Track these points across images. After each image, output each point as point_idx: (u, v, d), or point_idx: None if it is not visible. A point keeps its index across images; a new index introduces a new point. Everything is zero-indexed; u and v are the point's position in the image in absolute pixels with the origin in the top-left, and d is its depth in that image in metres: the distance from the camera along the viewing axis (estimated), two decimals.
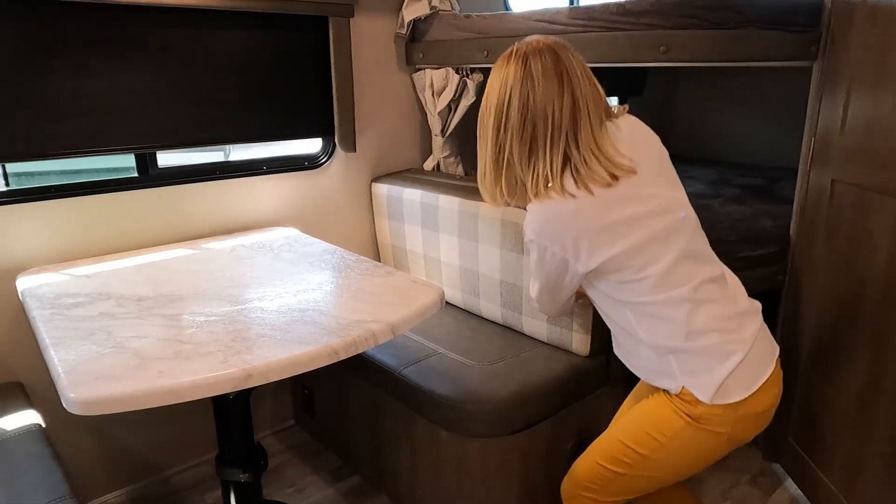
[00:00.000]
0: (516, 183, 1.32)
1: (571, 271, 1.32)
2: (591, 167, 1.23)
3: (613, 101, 3.85)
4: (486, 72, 2.37)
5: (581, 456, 1.50)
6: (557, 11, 1.97)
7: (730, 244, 2.14)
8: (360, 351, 1.30)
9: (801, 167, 1.95)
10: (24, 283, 1.67)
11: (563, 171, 1.25)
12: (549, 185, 1.26)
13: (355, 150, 2.38)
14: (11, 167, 2.12)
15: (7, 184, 2.12)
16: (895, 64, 1.56)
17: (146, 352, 1.24)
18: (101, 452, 2.04)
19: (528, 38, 1.30)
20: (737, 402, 1.25)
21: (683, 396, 1.29)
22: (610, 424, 1.56)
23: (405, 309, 1.46)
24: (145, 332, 1.33)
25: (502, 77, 1.26)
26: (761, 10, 1.76)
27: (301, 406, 2.46)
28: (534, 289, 1.47)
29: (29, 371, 1.84)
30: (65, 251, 1.86)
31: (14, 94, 1.70)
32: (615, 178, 1.24)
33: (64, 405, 1.10)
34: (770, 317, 1.95)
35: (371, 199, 2.54)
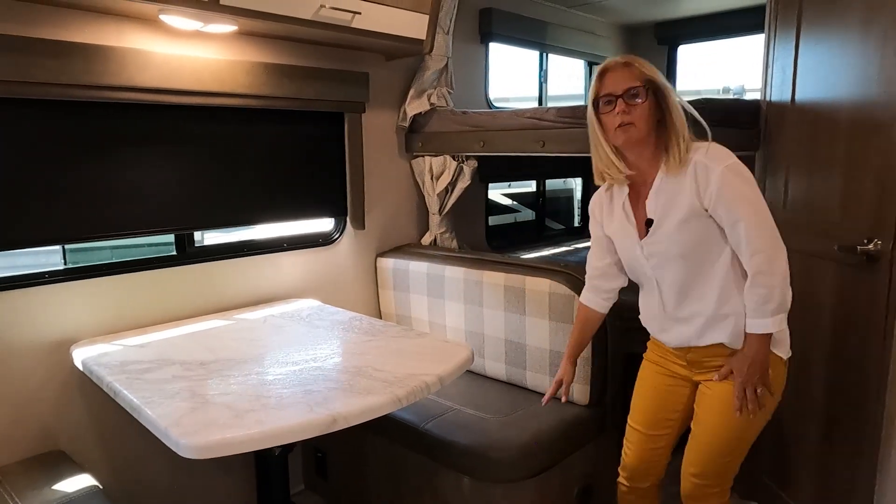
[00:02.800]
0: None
1: None
2: None
3: (578, 182, 4.28)
4: (480, 159, 2.71)
5: (711, 459, 1.63)
6: (547, 111, 2.34)
7: None
8: (418, 399, 1.51)
9: None
10: (81, 354, 1.81)
11: None
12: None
13: (364, 228, 2.64)
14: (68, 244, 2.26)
15: (65, 262, 2.25)
16: (822, 153, 1.98)
17: (235, 405, 1.41)
18: None
19: None
20: None
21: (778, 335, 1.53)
22: (691, 420, 1.69)
23: (446, 364, 1.68)
24: (226, 390, 1.50)
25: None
26: (713, 112, 2.16)
27: (313, 470, 2.57)
28: (765, 233, 1.48)
29: (72, 439, 1.93)
30: (112, 324, 2.00)
31: (72, 184, 1.89)
32: None
33: (177, 451, 1.26)
34: None
35: (376, 272, 2.78)
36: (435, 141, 2.72)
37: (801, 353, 2.12)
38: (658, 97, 1.52)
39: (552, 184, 4.15)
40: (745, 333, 1.52)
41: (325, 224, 2.68)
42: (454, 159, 2.70)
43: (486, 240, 3.37)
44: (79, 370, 1.83)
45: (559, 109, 2.32)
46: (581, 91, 4.29)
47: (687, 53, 4.34)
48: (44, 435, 1.89)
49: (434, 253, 2.66)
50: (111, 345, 1.88)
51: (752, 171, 2.28)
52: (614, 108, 1.51)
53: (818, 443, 2.04)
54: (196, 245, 2.23)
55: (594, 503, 2.20)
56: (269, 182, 2.37)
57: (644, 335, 1.84)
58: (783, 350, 1.58)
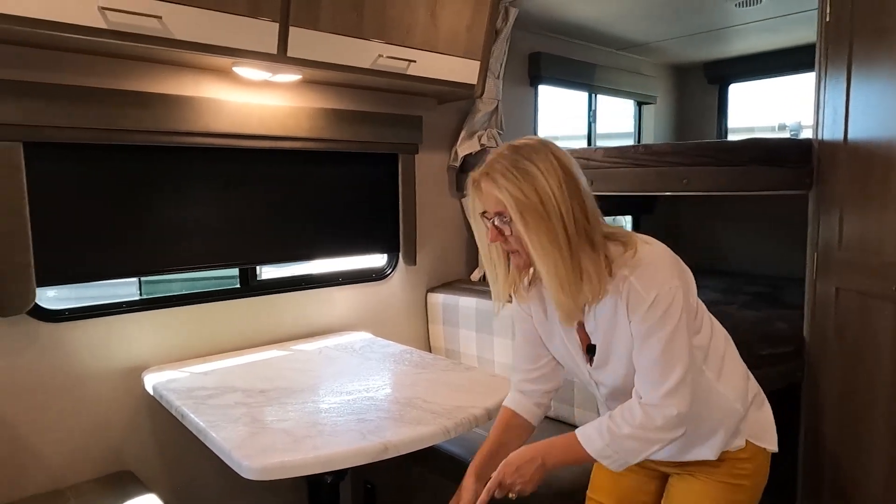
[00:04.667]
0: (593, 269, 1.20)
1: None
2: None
3: (628, 220, 4.28)
4: None
5: None
6: (595, 150, 2.40)
7: (752, 344, 2.43)
8: (466, 431, 1.56)
9: (808, 277, 2.30)
10: (152, 380, 1.93)
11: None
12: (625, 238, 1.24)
13: (415, 264, 2.73)
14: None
15: (140, 293, 2.43)
16: (876, 191, 1.96)
17: (293, 431, 1.49)
18: None
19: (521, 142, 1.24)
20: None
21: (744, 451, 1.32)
22: None
23: (494, 398, 1.72)
24: (284, 417, 1.59)
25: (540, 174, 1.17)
26: (759, 151, 2.18)
27: (362, 500, 2.61)
28: (673, 377, 1.18)
29: (141, 460, 2.05)
30: (179, 352, 2.13)
31: (149, 222, 2.05)
32: None
33: (239, 472, 1.35)
34: (793, 409, 2.22)
35: (426, 307, 2.85)
36: None
37: (860, 396, 2.06)
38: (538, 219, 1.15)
39: None
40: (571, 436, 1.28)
41: (378, 260, 2.78)
42: None
43: None
44: (148, 395, 1.95)
45: (606, 150, 2.37)
46: (631, 129, 4.33)
47: (739, 91, 4.34)
48: (114, 455, 2.01)
49: (483, 288, 2.72)
50: (179, 371, 2.00)
51: (805, 210, 2.28)
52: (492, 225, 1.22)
53: (883, 487, 1.96)
54: (258, 279, 2.36)
55: None
56: (327, 219, 2.49)
57: None
58: (769, 441, 1.36)
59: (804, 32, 3.51)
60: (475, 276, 2.94)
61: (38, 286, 1.78)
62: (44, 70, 1.79)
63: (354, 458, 1.37)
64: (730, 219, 4.22)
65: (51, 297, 2.03)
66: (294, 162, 2.38)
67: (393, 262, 2.75)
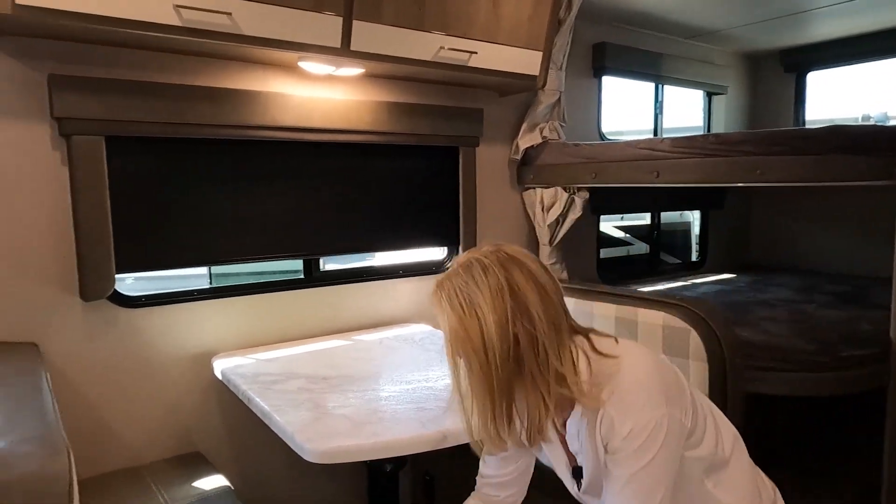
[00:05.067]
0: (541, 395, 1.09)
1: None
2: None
3: (696, 215, 4.13)
4: (592, 191, 2.72)
5: None
6: (661, 141, 2.32)
7: (832, 344, 2.30)
8: None
9: (895, 276, 2.14)
10: (220, 365, 2.00)
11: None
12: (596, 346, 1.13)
13: None
14: (213, 268, 2.55)
15: (210, 282, 2.53)
16: None
17: (354, 417, 1.51)
18: None
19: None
20: None
21: None
22: None
23: None
24: (345, 403, 1.61)
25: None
26: (841, 139, 2.04)
27: (421, 491, 2.62)
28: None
29: (210, 442, 2.13)
30: (246, 339, 2.20)
31: (218, 213, 2.12)
32: None
33: (301, 455, 1.37)
34: (878, 413, 2.08)
35: None
36: (546, 173, 2.77)
37: None
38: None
39: (668, 216, 4.03)
40: None
41: (438, 252, 2.79)
42: (565, 191, 2.73)
43: (597, 272, 3.33)
44: (217, 380, 2.03)
45: (674, 139, 2.29)
46: (700, 122, 4.17)
47: (819, 79, 4.10)
48: (185, 437, 2.10)
49: None
50: (245, 358, 2.07)
51: (892, 203, 2.13)
52: None
53: None
54: (320, 270, 2.41)
55: None
56: (388, 212, 2.52)
57: (768, 374, 1.75)
58: None
59: (891, 14, 3.28)
60: None
61: (116, 273, 1.88)
62: (123, 68, 1.88)
63: (413, 446, 1.38)
64: (806, 213, 4.00)
65: (128, 284, 2.13)
66: (356, 155, 2.41)
67: (452, 256, 2.75)
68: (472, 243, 2.68)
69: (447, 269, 1.17)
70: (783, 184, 2.11)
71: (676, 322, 2.09)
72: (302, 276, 2.38)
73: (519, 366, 1.07)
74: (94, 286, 1.83)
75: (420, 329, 2.46)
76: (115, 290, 1.92)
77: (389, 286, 2.56)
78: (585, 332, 1.18)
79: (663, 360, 1.15)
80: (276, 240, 2.25)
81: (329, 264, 2.50)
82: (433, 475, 2.55)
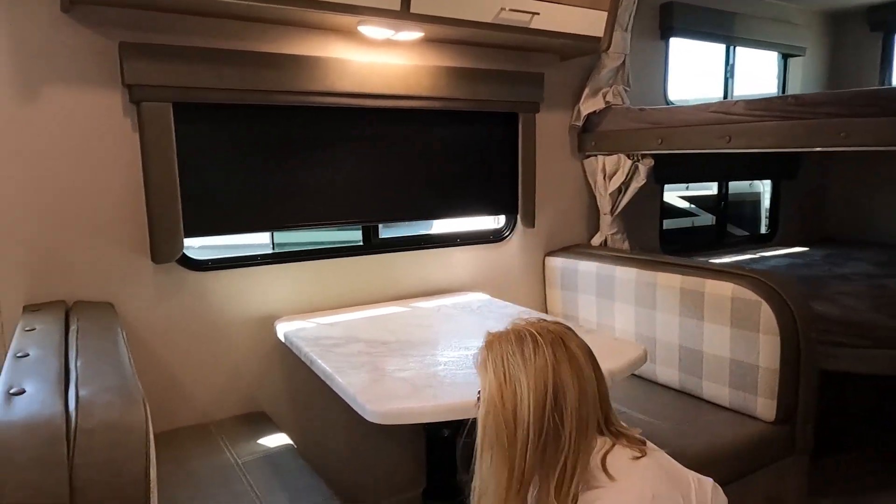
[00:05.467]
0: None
1: None
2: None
3: (767, 185, 3.94)
4: (656, 158, 2.61)
5: None
6: (735, 103, 2.19)
7: None
8: None
9: None
10: (283, 329, 2.05)
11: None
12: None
13: (534, 226, 2.67)
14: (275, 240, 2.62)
15: (273, 248, 2.59)
16: None
17: (413, 380, 1.52)
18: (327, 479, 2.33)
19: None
20: None
21: None
22: None
23: (618, 361, 1.65)
24: (405, 367, 1.62)
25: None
26: None
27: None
28: None
29: (272, 402, 2.19)
30: (307, 304, 2.24)
31: (279, 179, 2.15)
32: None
33: (363, 415, 1.39)
34: None
35: (543, 271, 2.80)
36: (609, 139, 2.68)
37: None
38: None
39: (736, 186, 3.85)
40: None
41: (496, 221, 2.76)
42: (629, 158, 2.63)
43: (659, 243, 3.23)
44: (280, 342, 2.08)
45: (749, 102, 2.17)
46: (774, 90, 3.93)
47: None
48: (250, 397, 2.17)
49: (604, 253, 2.61)
50: (307, 322, 2.11)
51: None
52: None
53: None
54: (379, 237, 2.42)
55: None
56: (446, 180, 2.50)
57: (844, 350, 1.65)
58: None
59: None
60: (596, 240, 2.83)
61: (184, 237, 1.93)
62: (190, 35, 1.91)
63: (473, 410, 1.37)
64: (889, 183, 3.75)
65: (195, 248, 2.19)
66: (415, 122, 2.39)
67: (511, 225, 2.71)
68: (530, 212, 2.63)
69: (499, 332, 1.16)
70: (868, 148, 1.96)
71: (747, 294, 2.00)
72: (361, 244, 2.40)
73: (543, 456, 1.05)
74: (163, 249, 1.90)
75: (477, 298, 2.45)
76: (184, 254, 1.98)
77: (447, 255, 2.55)
78: (615, 436, 1.12)
79: None
80: (336, 207, 2.27)
81: (387, 233, 2.51)
82: None
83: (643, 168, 2.62)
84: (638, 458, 1.10)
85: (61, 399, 1.05)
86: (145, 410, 1.05)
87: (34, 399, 1.05)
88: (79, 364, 1.23)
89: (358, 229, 2.41)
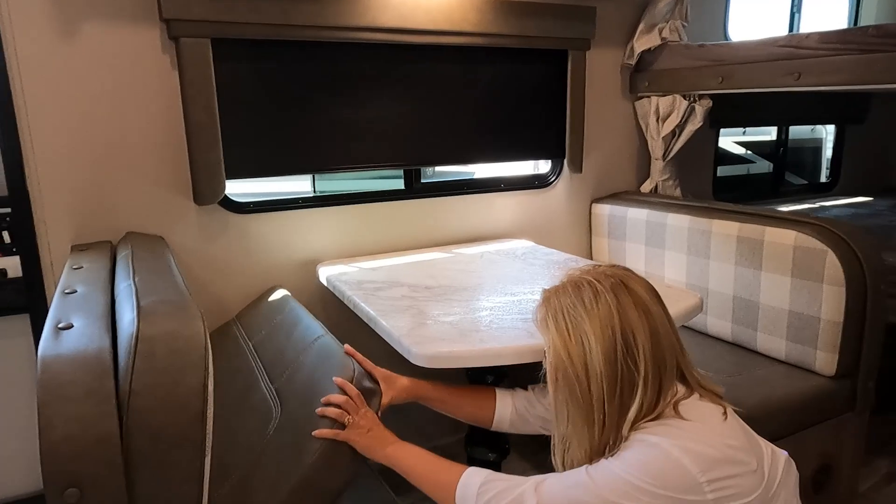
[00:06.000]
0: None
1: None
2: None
3: (830, 130, 3.70)
4: (715, 98, 2.45)
5: None
6: (806, 36, 2.02)
7: None
8: None
9: None
10: (325, 272, 2.03)
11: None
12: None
13: (581, 171, 2.56)
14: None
15: (314, 191, 2.57)
16: None
17: (459, 325, 1.48)
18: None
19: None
20: None
21: None
22: None
23: (672, 309, 1.56)
24: (449, 312, 1.58)
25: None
26: None
27: None
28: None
29: None
30: (349, 248, 2.22)
31: (319, 120, 2.09)
32: None
33: (408, 358, 1.36)
34: None
35: (590, 218, 2.70)
36: (664, 79, 2.52)
37: None
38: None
39: (796, 132, 3.63)
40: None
41: (541, 166, 2.66)
42: (685, 98, 2.48)
43: (712, 191, 3.08)
44: (322, 286, 2.06)
45: (823, 34, 1.99)
46: (845, 25, 3.64)
47: None
48: None
49: (655, 200, 2.50)
50: (349, 266, 2.09)
51: None
52: None
53: None
54: (421, 182, 2.36)
55: (832, 485, 1.94)
56: (490, 122, 2.40)
57: None
58: None
59: None
60: (646, 187, 2.71)
61: (226, 178, 1.91)
62: None
63: (519, 356, 1.33)
64: None
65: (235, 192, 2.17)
66: (459, 61, 2.28)
67: (557, 170, 2.61)
68: (578, 157, 2.52)
69: (557, 284, 1.12)
70: None
71: (811, 242, 1.88)
72: (402, 189, 2.34)
73: (620, 401, 1.02)
74: (205, 191, 1.88)
75: (522, 244, 2.38)
76: (226, 196, 1.96)
77: (490, 200, 2.48)
78: (692, 387, 1.08)
79: (717, 455, 0.97)
80: (377, 149, 2.21)
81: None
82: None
83: (700, 110, 2.47)
84: (718, 399, 1.06)
85: (108, 333, 1.05)
86: (204, 325, 1.04)
87: (82, 333, 1.04)
88: (137, 280, 1.23)
89: (399, 177, 2.35)
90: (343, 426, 1.14)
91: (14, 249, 1.77)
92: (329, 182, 2.80)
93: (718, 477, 0.95)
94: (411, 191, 2.34)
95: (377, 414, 1.24)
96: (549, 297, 1.10)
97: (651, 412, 1.02)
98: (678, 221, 2.28)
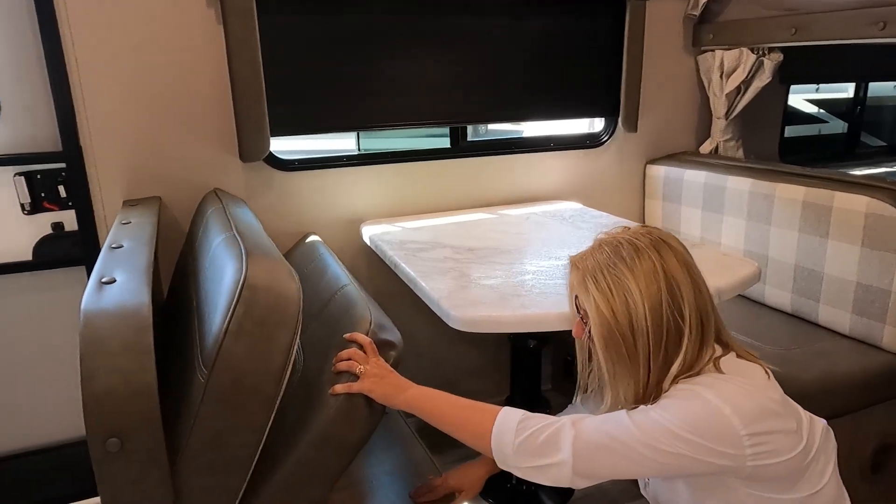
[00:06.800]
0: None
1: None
2: None
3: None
4: (786, 51, 2.27)
5: None
6: None
7: None
8: None
9: None
10: (368, 232, 2.02)
11: None
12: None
13: (636, 131, 2.44)
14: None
15: (359, 149, 2.55)
16: None
17: (500, 289, 1.44)
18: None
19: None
20: None
21: None
22: None
23: (726, 278, 1.49)
24: (491, 275, 1.54)
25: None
26: None
27: (561, 373, 2.60)
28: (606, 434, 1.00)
29: None
30: (392, 207, 2.19)
31: (365, 76, 2.04)
32: None
33: (446, 321, 1.34)
34: None
35: (643, 180, 2.59)
36: (731, 30, 2.35)
37: None
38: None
39: (876, 89, 3.35)
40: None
41: (592, 125, 2.55)
42: (753, 52, 2.31)
43: (779, 153, 2.90)
44: (366, 246, 2.05)
45: None
46: None
47: None
48: None
49: (715, 161, 2.37)
50: (392, 226, 2.07)
51: None
52: None
53: None
54: (468, 140, 2.30)
55: (892, 466, 1.84)
56: (541, 77, 2.29)
57: None
58: None
59: None
60: (706, 147, 2.57)
61: (271, 136, 1.90)
62: None
63: (561, 322, 1.28)
64: None
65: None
66: (510, 12, 2.18)
67: (610, 128, 2.49)
68: (633, 115, 2.40)
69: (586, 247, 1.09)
70: None
71: (885, 209, 1.74)
72: (448, 146, 2.29)
73: (666, 356, 1.00)
74: (250, 148, 1.87)
75: (570, 206, 2.30)
76: (271, 153, 1.96)
77: (539, 160, 2.40)
78: (731, 343, 1.06)
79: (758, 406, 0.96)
80: (424, 105, 2.15)
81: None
82: (573, 356, 2.49)
83: (769, 64, 2.29)
84: (755, 369, 1.02)
85: (149, 289, 1.06)
86: (300, 289, 1.05)
87: (124, 288, 1.06)
88: (238, 232, 1.24)
89: (446, 135, 2.30)
90: (356, 378, 1.13)
91: (70, 203, 1.83)
92: (374, 140, 2.77)
93: (759, 431, 0.93)
94: (457, 149, 2.29)
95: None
96: (584, 257, 1.07)
97: (691, 368, 1.00)
98: (738, 184, 2.16)
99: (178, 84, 1.82)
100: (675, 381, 0.99)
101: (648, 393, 1.01)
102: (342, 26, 1.97)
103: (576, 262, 1.07)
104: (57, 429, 2.00)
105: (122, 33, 1.73)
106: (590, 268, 1.04)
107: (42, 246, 1.85)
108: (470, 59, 2.16)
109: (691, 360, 1.00)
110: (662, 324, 0.98)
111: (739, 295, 2.22)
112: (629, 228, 1.08)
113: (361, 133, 2.65)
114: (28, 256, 1.85)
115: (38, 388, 1.96)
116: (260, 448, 1.03)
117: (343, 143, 2.69)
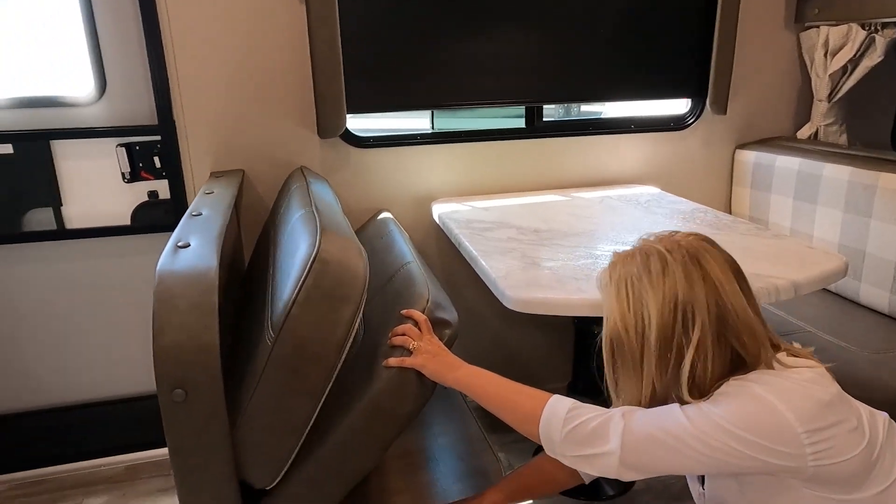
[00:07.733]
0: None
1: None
2: None
3: None
4: None
5: None
6: None
7: None
8: (762, 303, 1.29)
9: None
10: (438, 210, 2.04)
11: None
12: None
13: (725, 113, 2.30)
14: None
15: (433, 127, 2.58)
16: None
17: (560, 272, 1.43)
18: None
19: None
20: None
21: None
22: None
23: (805, 271, 1.40)
24: (553, 257, 1.53)
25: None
26: None
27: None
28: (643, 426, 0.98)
29: None
30: (463, 186, 2.20)
31: (441, 55, 2.05)
32: None
33: (502, 301, 1.34)
34: None
35: (732, 166, 2.45)
36: (839, 4, 2.16)
37: None
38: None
39: None
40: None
41: (678, 106, 2.43)
42: (863, 28, 2.11)
43: (892, 140, 2.64)
44: (435, 224, 2.08)
45: None
46: None
47: None
48: None
49: (812, 147, 2.20)
50: (462, 205, 2.08)
51: None
52: None
53: None
54: (543, 120, 2.26)
55: None
56: (623, 55, 2.21)
57: None
58: None
59: None
60: (804, 132, 2.39)
61: (347, 113, 1.95)
62: None
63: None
64: None
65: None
66: None
67: (697, 110, 2.37)
68: (723, 95, 2.27)
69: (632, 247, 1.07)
70: None
71: None
72: (523, 126, 2.26)
73: (675, 373, 0.98)
74: (328, 124, 1.94)
75: (647, 191, 2.22)
76: (347, 130, 2.01)
77: (617, 142, 2.32)
78: (779, 347, 1.02)
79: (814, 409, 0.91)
80: (499, 85, 2.13)
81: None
82: None
83: (881, 41, 2.09)
84: (810, 366, 0.98)
85: (218, 254, 1.13)
86: (367, 267, 1.10)
87: (196, 253, 1.14)
88: (318, 209, 1.30)
89: (521, 115, 2.27)
90: (410, 353, 1.15)
91: (163, 174, 1.97)
92: (448, 120, 2.78)
93: (817, 427, 0.89)
94: (532, 130, 2.26)
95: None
96: (616, 262, 1.05)
97: (704, 375, 0.97)
98: (836, 173, 1.99)
99: (262, 62, 1.91)
100: (722, 380, 0.96)
101: (653, 403, 1.00)
102: (419, 5, 1.98)
103: (613, 263, 1.06)
104: (145, 380, 2.18)
105: (213, 14, 1.83)
106: (618, 275, 1.03)
107: (139, 212, 2.01)
108: (548, 37, 2.12)
109: (702, 368, 0.97)
110: (671, 345, 0.97)
111: (831, 292, 2.09)
112: (674, 235, 1.04)
113: (436, 113, 2.67)
114: (127, 221, 2.01)
115: (131, 340, 2.15)
116: (316, 413, 1.08)
117: (416, 122, 2.72)
